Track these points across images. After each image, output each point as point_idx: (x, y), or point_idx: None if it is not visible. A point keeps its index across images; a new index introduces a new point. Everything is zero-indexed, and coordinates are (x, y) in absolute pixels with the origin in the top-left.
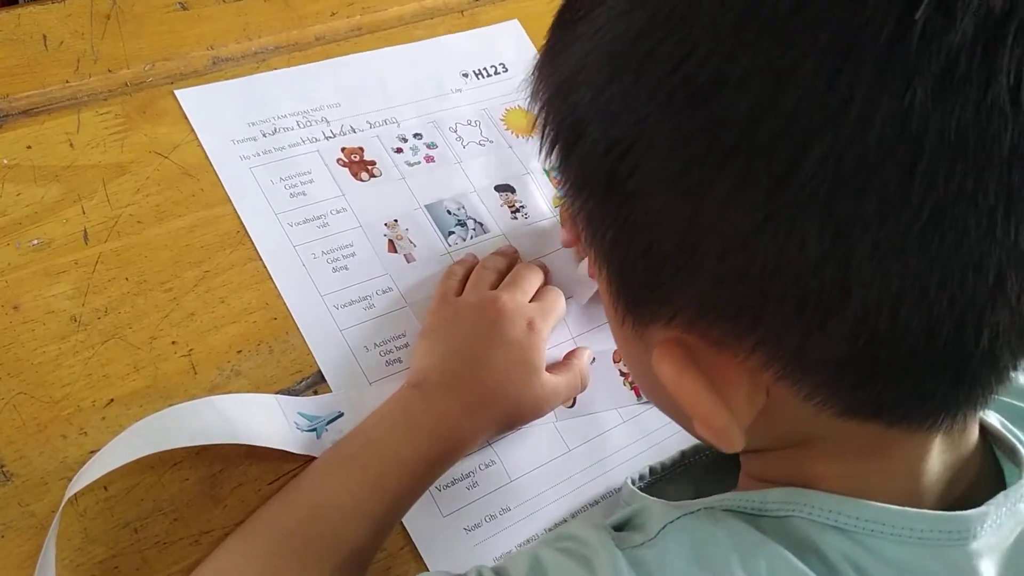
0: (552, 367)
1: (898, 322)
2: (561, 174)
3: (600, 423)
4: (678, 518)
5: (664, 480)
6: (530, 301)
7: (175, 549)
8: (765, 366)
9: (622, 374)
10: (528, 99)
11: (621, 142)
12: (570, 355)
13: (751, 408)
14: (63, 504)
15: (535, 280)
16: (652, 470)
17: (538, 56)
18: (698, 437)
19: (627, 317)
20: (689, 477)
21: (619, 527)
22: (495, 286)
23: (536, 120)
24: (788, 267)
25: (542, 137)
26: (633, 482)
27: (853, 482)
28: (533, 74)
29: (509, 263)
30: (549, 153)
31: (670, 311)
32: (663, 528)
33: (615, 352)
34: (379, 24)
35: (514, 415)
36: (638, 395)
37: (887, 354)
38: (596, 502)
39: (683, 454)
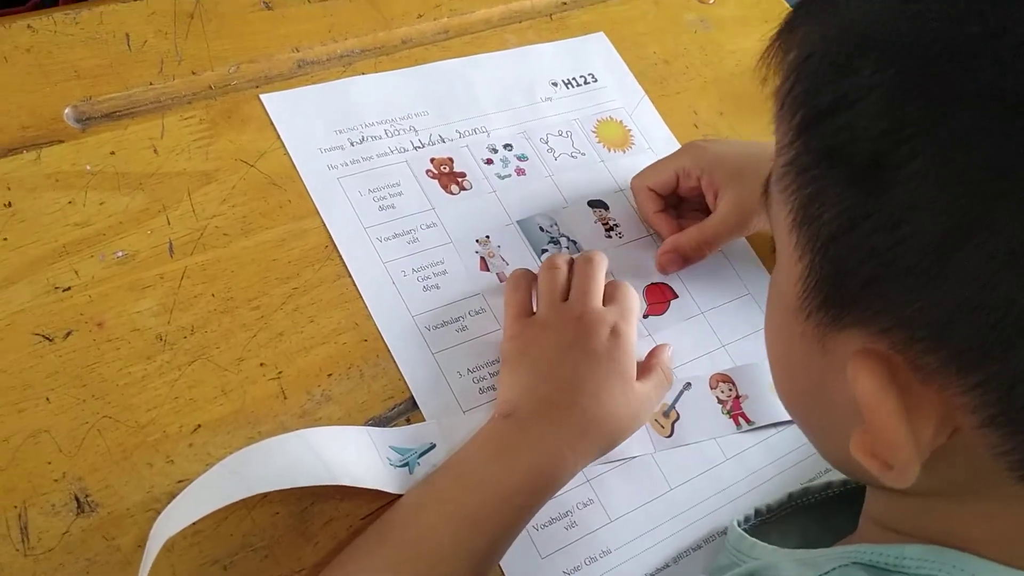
0: (637, 372)
1: None
2: (793, 140)
3: (703, 460)
4: None
5: (769, 523)
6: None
7: None
8: (976, 410)
9: (719, 401)
10: (775, 41)
11: (907, 125)
12: (651, 356)
13: (932, 445)
14: (154, 551)
15: (600, 277)
16: (757, 512)
17: (798, 4)
18: (837, 463)
19: (817, 314)
20: (795, 520)
21: None
22: (565, 291)
23: (778, 69)
24: None
25: (785, 95)
26: (739, 524)
27: (1005, 551)
28: (790, 21)
29: (569, 260)
30: (788, 115)
31: (888, 322)
32: None
33: (712, 377)
34: (466, 27)
35: (615, 434)
36: (736, 424)
37: None
38: (699, 546)
39: (790, 496)
